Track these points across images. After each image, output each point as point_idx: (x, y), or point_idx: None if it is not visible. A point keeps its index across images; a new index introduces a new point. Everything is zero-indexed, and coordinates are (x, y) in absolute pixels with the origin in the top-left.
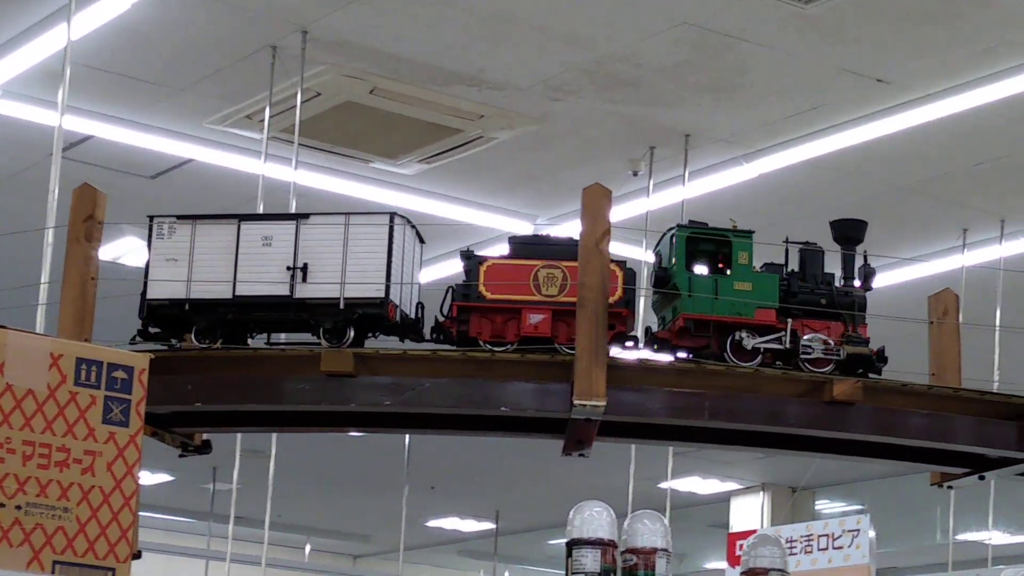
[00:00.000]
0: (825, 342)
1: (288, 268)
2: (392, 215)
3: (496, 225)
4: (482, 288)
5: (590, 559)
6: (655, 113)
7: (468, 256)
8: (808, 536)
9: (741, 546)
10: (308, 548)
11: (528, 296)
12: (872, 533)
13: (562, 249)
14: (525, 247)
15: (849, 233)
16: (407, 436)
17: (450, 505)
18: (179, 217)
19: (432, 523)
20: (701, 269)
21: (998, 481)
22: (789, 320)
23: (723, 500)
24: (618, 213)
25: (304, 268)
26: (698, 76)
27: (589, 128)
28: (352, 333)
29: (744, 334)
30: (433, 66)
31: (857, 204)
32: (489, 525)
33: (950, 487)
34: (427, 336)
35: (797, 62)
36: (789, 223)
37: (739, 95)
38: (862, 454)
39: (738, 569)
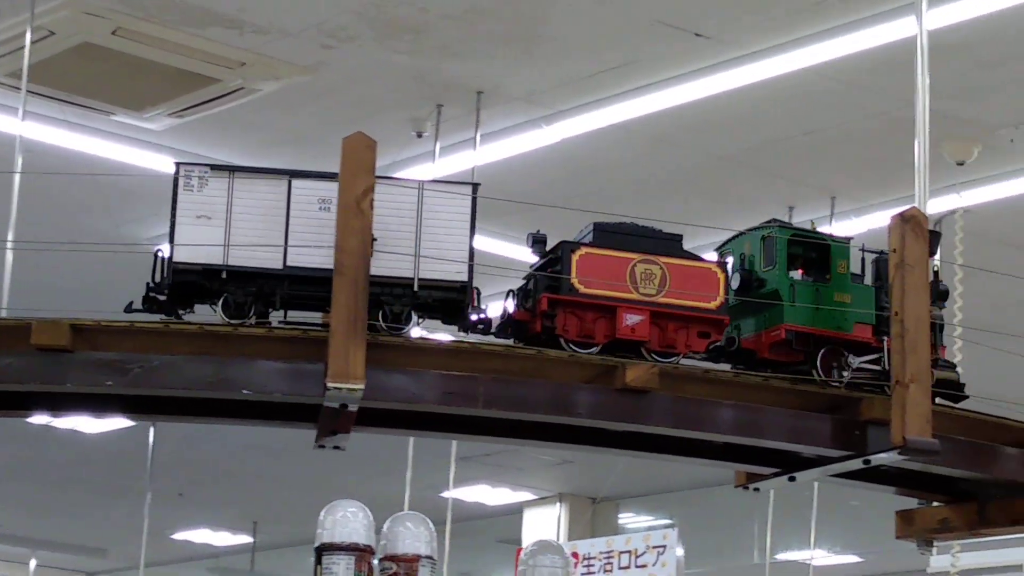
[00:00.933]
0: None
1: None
2: (475, 186)
3: None
4: (575, 280)
5: (342, 567)
6: (443, 66)
7: (542, 240)
8: (608, 553)
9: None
10: (33, 564)
11: (626, 294)
12: (680, 550)
13: (659, 243)
14: (615, 237)
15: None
16: (150, 432)
17: (201, 515)
18: (213, 167)
19: (179, 535)
20: (795, 275)
21: (822, 494)
22: (885, 339)
23: (515, 512)
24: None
25: (371, 239)
26: (492, 25)
27: (367, 81)
28: (416, 319)
29: (844, 351)
30: (186, 4)
31: (672, 175)
32: (245, 538)
33: (756, 489)
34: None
35: (605, 12)
36: (595, 195)
37: (539, 48)
38: (660, 450)
39: None
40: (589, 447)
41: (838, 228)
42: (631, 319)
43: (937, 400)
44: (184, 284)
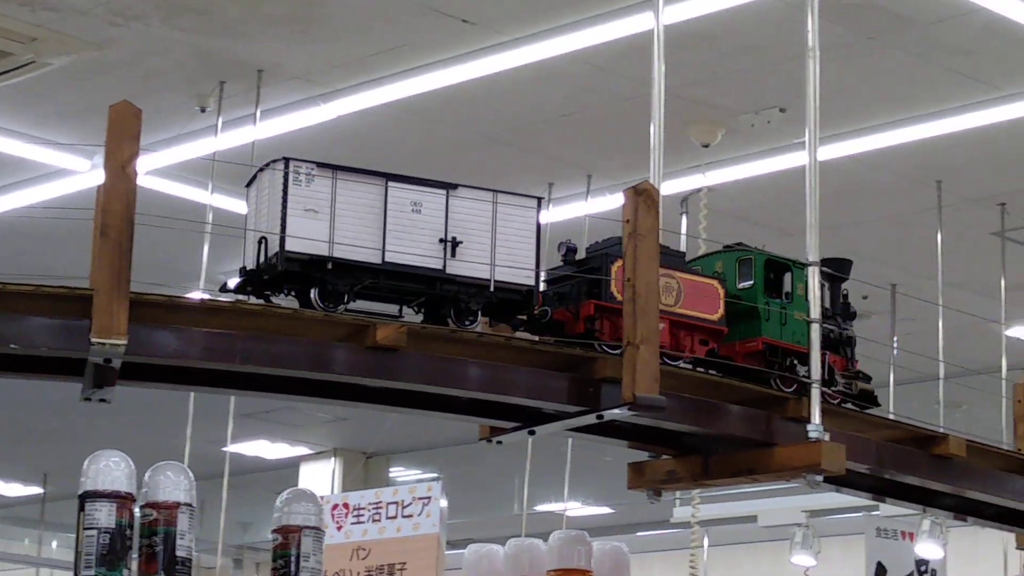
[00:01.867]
0: (847, 377)
1: (440, 240)
2: (539, 199)
3: (49, 160)
4: (613, 289)
5: (104, 513)
6: (226, 45)
7: (574, 249)
8: (377, 504)
9: None
10: None
11: None
12: (444, 502)
13: (673, 259)
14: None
15: (838, 270)
16: None
17: None
18: (319, 165)
19: None
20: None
21: (578, 451)
22: (827, 353)
23: (292, 466)
24: (184, 152)
25: (454, 242)
26: (272, 6)
27: (154, 58)
28: (480, 316)
29: (796, 362)
30: None
31: (441, 151)
32: (36, 489)
33: (499, 442)
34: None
35: None
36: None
37: (316, 29)
38: (413, 405)
39: None
40: (347, 402)
41: (594, 205)
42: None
43: (850, 405)
44: (289, 271)
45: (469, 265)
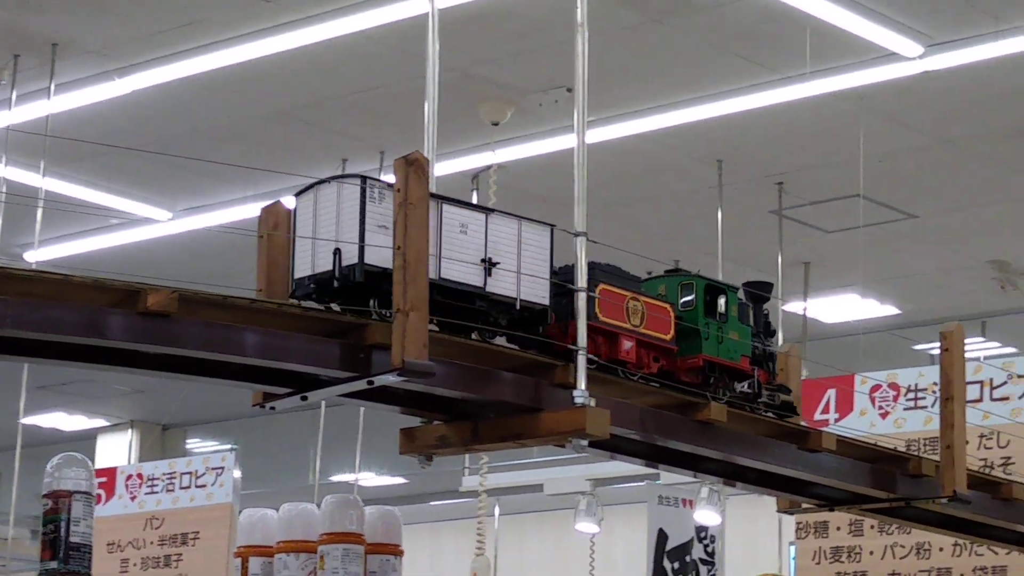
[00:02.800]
0: (771, 390)
1: (481, 260)
2: (552, 227)
3: None
4: (597, 310)
5: None
6: (20, 18)
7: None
8: (171, 474)
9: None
10: None
11: (624, 323)
12: (237, 472)
13: (635, 283)
14: (613, 276)
15: (760, 292)
16: None
17: None
18: (388, 185)
19: None
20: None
21: (370, 422)
22: (756, 368)
23: (90, 438)
24: None
25: (491, 263)
26: None
27: None
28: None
29: (729, 377)
30: None
31: (236, 127)
32: None
33: (272, 407)
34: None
35: None
36: (166, 143)
37: (111, 3)
38: (188, 371)
39: None
40: (122, 368)
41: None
42: (627, 344)
43: (771, 415)
44: (363, 283)
45: (502, 284)
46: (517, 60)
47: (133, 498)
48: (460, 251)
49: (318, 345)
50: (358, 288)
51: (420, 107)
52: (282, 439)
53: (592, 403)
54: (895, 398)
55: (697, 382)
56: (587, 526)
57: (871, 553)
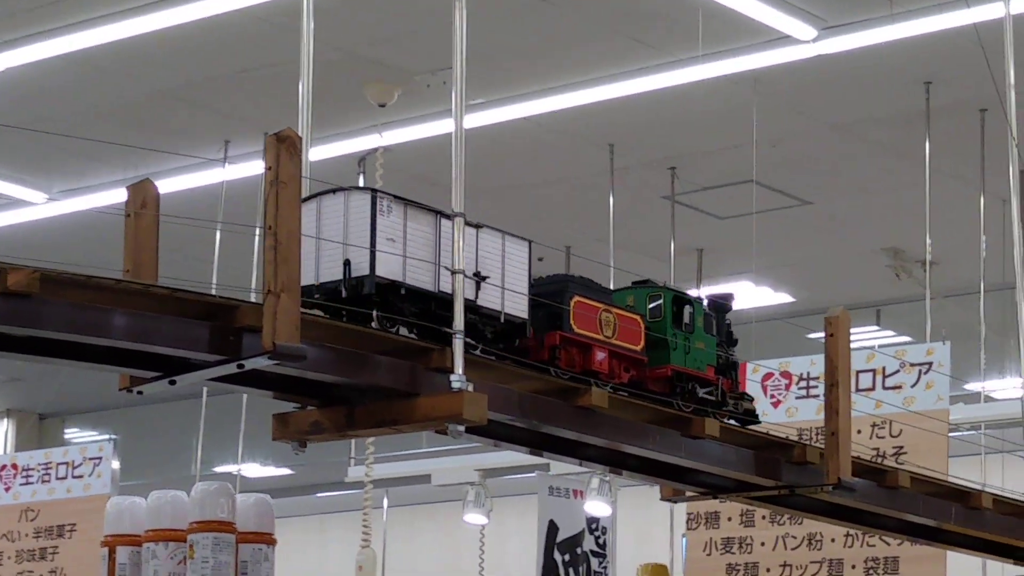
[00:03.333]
0: (734, 398)
1: (475, 274)
2: (530, 242)
3: None
4: (572, 322)
5: None
6: None
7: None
8: (47, 464)
9: None
10: None
11: (597, 335)
12: (116, 462)
13: (607, 294)
14: (588, 289)
15: (722, 303)
16: None
17: None
18: (395, 197)
19: None
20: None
21: (253, 412)
22: (720, 377)
23: None
24: None
25: (481, 276)
26: None
27: None
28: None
29: (697, 386)
30: None
31: (115, 106)
32: None
33: (140, 392)
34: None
35: None
36: (42, 122)
37: None
38: (52, 354)
39: None
40: None
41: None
42: (600, 355)
43: (732, 422)
44: (371, 294)
45: (490, 298)
46: (404, 40)
47: (7, 489)
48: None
49: (187, 327)
50: (366, 299)
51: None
52: (164, 429)
53: (470, 388)
54: (787, 387)
55: (665, 391)
56: (476, 517)
57: (762, 544)
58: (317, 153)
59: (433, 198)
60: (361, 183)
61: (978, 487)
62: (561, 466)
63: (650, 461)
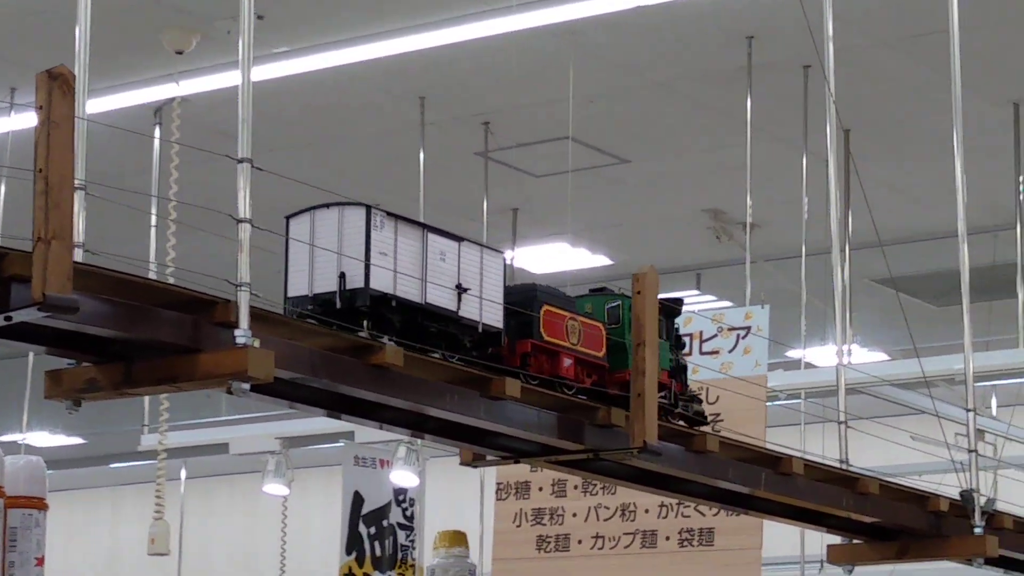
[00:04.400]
0: (684, 400)
1: (456, 286)
2: (503, 253)
3: None
4: (542, 330)
5: None
6: None
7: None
8: None
9: None
10: None
11: (564, 342)
12: None
13: (572, 302)
14: (555, 298)
15: (672, 306)
16: None
17: None
18: (387, 213)
19: None
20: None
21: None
22: (675, 380)
23: None
24: None
25: (463, 288)
26: None
27: None
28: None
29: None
30: None
31: None
32: None
33: None
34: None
35: None
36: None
37: None
38: None
39: None
40: None
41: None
42: (566, 362)
43: (682, 423)
44: (365, 306)
45: (469, 308)
46: None
47: None
48: (440, 278)
49: None
50: (358, 311)
51: (97, 31)
52: None
53: (256, 343)
54: None
55: (624, 394)
56: (276, 488)
57: (574, 515)
58: (112, 102)
59: (231, 150)
60: (157, 134)
61: (789, 453)
62: (367, 435)
63: (450, 423)
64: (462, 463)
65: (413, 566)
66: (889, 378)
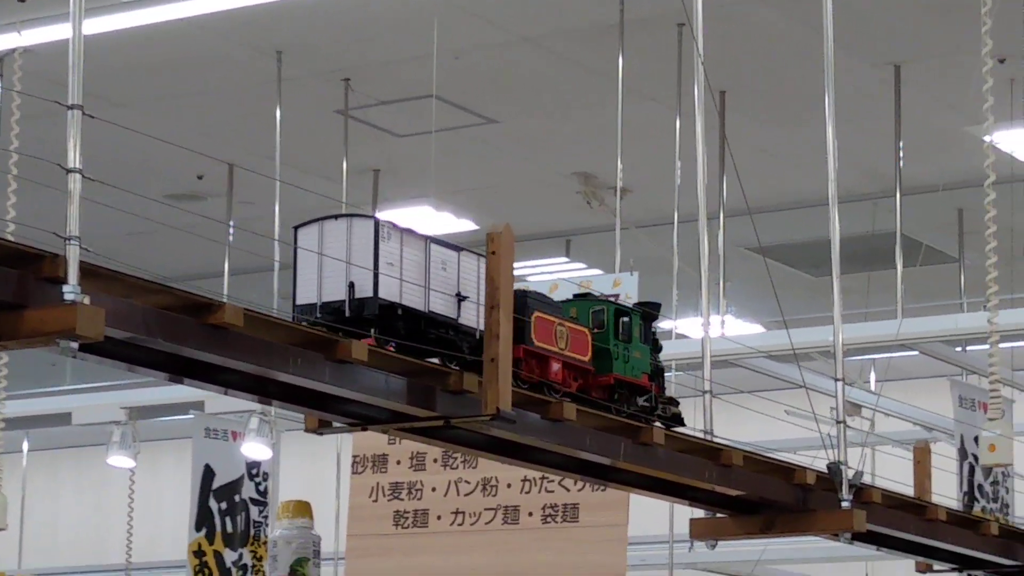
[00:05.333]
0: (663, 403)
1: (456, 295)
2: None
3: None
4: (533, 336)
5: None
6: None
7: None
8: None
9: None
10: None
11: (553, 347)
12: None
13: (557, 309)
14: (544, 305)
15: (651, 312)
16: None
17: None
18: (395, 225)
19: None
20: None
21: None
22: (653, 383)
23: None
24: None
25: (462, 297)
26: None
27: None
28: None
29: (636, 394)
30: None
31: None
32: None
33: None
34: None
35: None
36: None
37: None
38: None
39: None
40: None
41: None
42: (555, 367)
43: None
44: (374, 315)
45: (468, 315)
46: None
47: None
48: (442, 287)
49: None
50: (366, 319)
51: None
52: None
53: (85, 300)
54: None
55: (604, 398)
56: (121, 460)
57: (433, 490)
58: None
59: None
60: None
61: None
62: (218, 405)
63: (295, 388)
64: (307, 430)
65: (267, 543)
66: (761, 349)
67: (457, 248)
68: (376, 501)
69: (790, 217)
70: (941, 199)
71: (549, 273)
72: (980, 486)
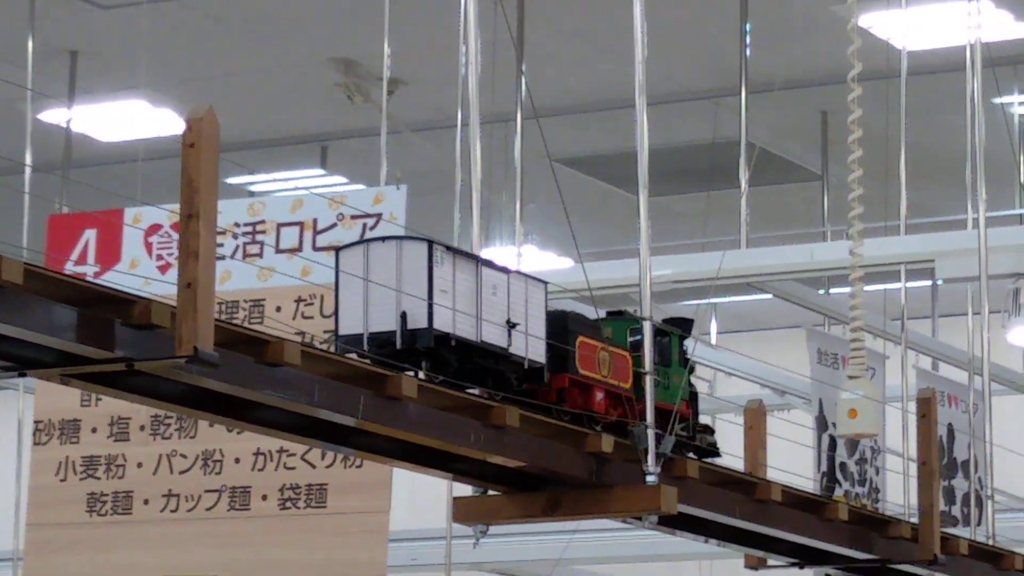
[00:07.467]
0: (699, 432)
1: (507, 322)
2: (545, 283)
3: None
4: (578, 364)
5: None
6: None
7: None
8: None
9: None
10: None
11: (596, 375)
12: None
13: (599, 330)
14: (587, 327)
15: (684, 333)
16: None
17: None
18: (447, 248)
19: None
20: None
21: None
22: (691, 411)
23: None
24: None
25: (512, 324)
26: None
27: None
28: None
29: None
30: None
31: None
32: None
33: None
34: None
35: None
36: None
37: None
38: None
39: None
40: None
41: None
42: (599, 396)
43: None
44: (427, 347)
45: (518, 344)
46: None
47: None
48: (493, 314)
49: None
50: (418, 351)
51: None
52: None
53: None
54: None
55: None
56: None
57: (139, 465)
58: None
59: None
60: None
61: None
62: None
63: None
64: (61, 383)
65: None
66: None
67: (506, 270)
68: (65, 480)
69: (607, 119)
70: (799, 98)
71: (297, 190)
72: (843, 464)
